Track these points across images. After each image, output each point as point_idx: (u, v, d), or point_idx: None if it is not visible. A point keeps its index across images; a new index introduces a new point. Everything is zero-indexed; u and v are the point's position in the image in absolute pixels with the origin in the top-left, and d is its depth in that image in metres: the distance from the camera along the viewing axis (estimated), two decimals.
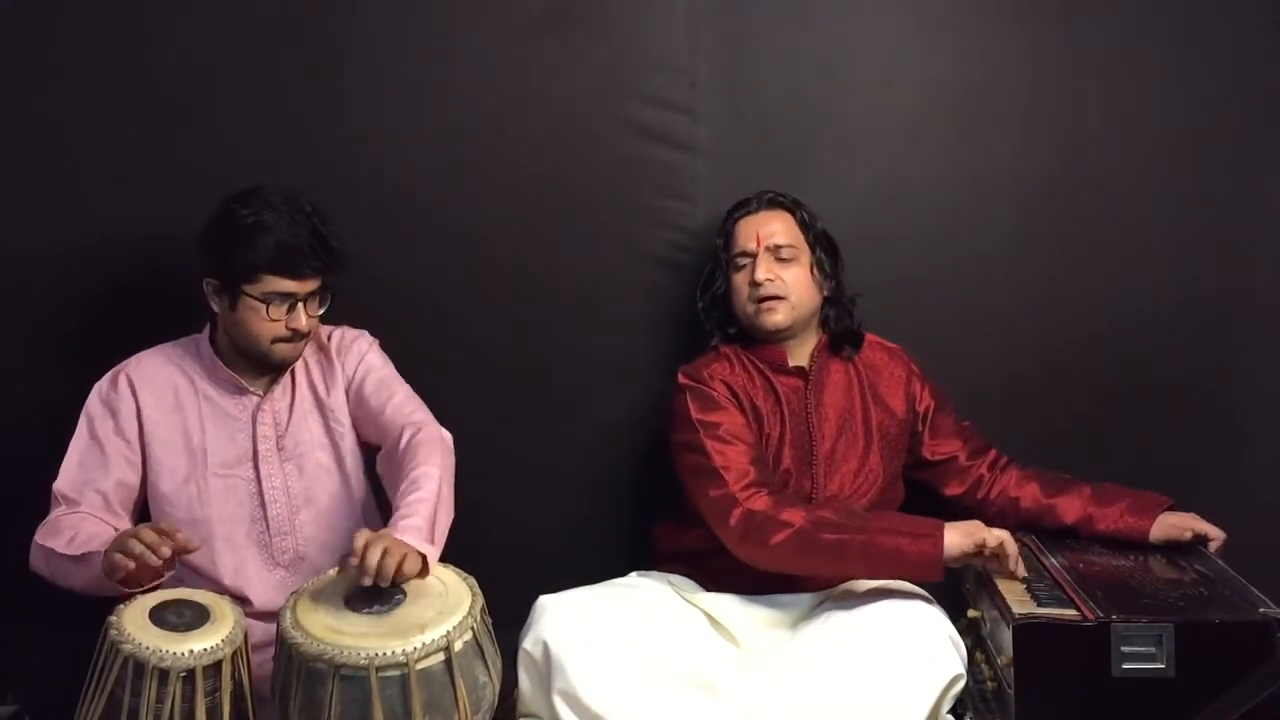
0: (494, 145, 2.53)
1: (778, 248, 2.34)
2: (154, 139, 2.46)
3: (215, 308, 2.19)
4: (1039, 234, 2.58)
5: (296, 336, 2.17)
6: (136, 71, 2.46)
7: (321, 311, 2.21)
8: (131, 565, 1.89)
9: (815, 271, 2.37)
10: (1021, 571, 2.10)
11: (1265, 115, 2.55)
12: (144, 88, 2.46)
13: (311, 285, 2.15)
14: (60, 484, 2.14)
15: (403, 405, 2.22)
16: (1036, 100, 2.55)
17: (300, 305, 2.15)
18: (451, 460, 2.14)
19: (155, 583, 1.99)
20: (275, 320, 2.14)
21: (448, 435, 2.18)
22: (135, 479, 2.19)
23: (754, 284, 2.32)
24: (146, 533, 1.91)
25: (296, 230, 2.11)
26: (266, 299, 2.12)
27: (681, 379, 2.32)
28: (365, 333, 2.34)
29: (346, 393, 2.27)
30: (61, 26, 2.44)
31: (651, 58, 2.53)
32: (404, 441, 2.14)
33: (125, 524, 2.16)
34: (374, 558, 1.85)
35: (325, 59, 2.49)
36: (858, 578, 2.20)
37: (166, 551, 1.90)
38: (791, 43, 2.53)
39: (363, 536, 1.88)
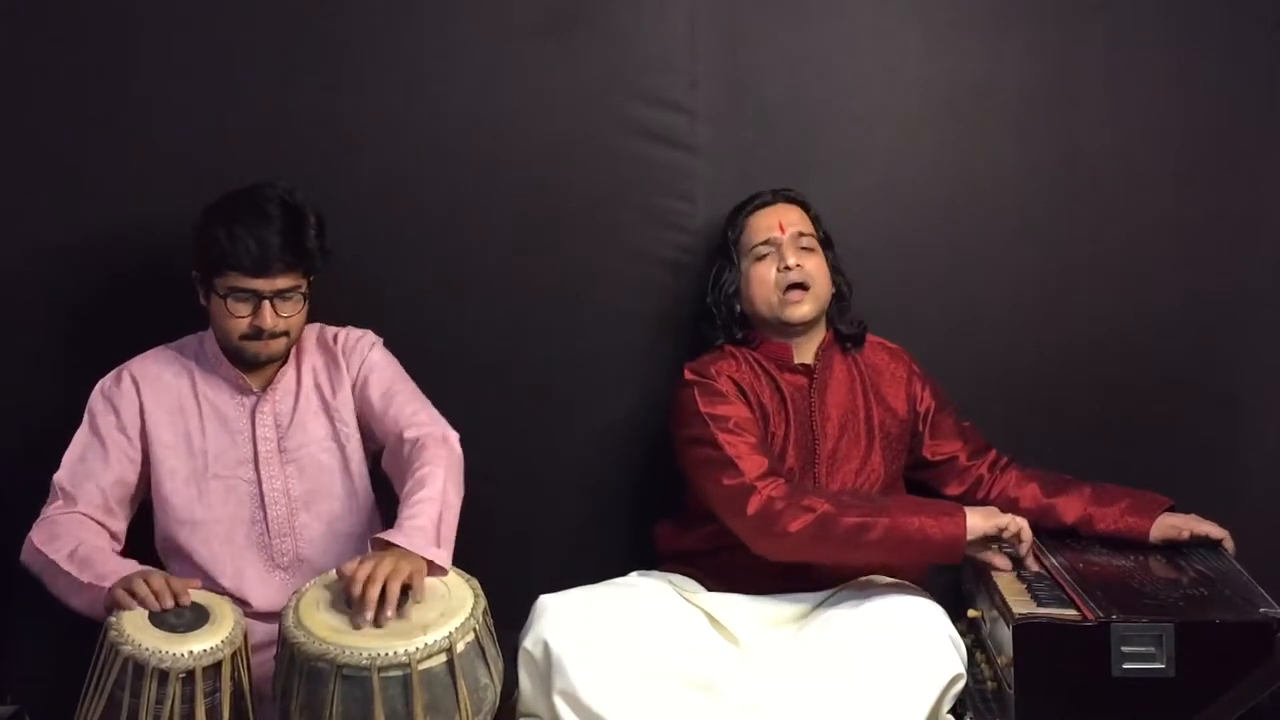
0: (494, 145, 2.52)
1: (800, 235, 2.34)
2: (154, 138, 2.46)
3: (202, 301, 2.20)
4: (1039, 233, 2.58)
5: (263, 335, 2.15)
6: (138, 71, 2.45)
7: (298, 312, 2.18)
8: (133, 605, 1.90)
9: (829, 266, 2.37)
10: (1031, 563, 2.14)
11: (1265, 115, 2.55)
12: (145, 87, 2.45)
13: (280, 283, 2.12)
14: (60, 476, 2.15)
15: (405, 405, 2.22)
16: (1036, 100, 2.55)
17: (266, 304, 2.12)
18: (457, 459, 2.14)
19: None
20: (239, 317, 2.13)
21: (453, 435, 2.18)
22: (134, 476, 2.19)
23: (783, 269, 2.31)
24: (156, 578, 1.92)
25: (265, 227, 2.09)
26: (228, 293, 2.12)
27: (688, 374, 2.31)
28: (369, 332, 2.33)
29: (352, 391, 2.27)
30: (61, 26, 2.44)
31: (651, 58, 2.52)
32: (408, 442, 2.15)
33: (120, 525, 2.16)
34: (373, 593, 1.85)
35: (325, 60, 2.48)
36: (875, 565, 2.19)
37: (169, 602, 1.91)
38: (791, 43, 2.53)
39: (363, 570, 1.87)
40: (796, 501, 2.12)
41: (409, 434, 2.16)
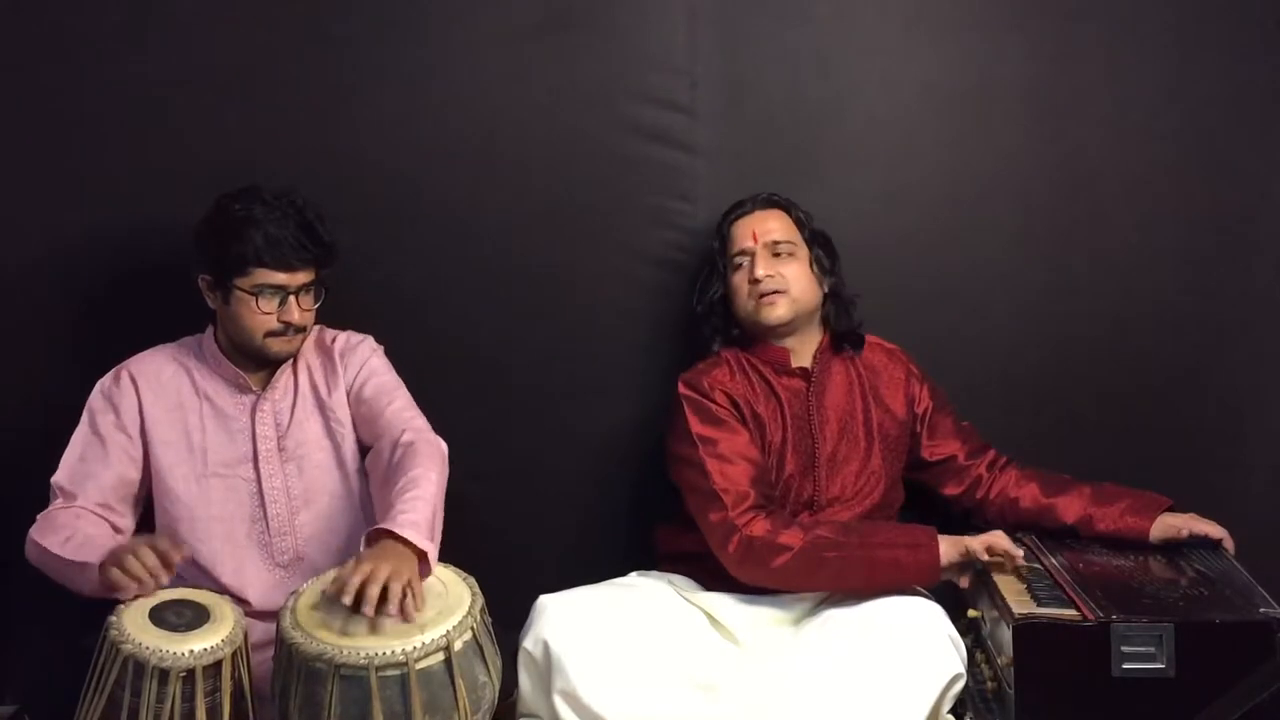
0: (494, 145, 2.52)
1: (775, 243, 2.34)
2: (153, 139, 2.46)
3: (211, 304, 2.21)
4: (1039, 234, 2.58)
5: (290, 330, 2.18)
6: (141, 73, 2.45)
7: (316, 306, 2.22)
8: (134, 587, 1.91)
9: (814, 268, 2.37)
10: (1018, 560, 2.13)
11: (1265, 115, 2.55)
12: (145, 88, 2.46)
13: (302, 278, 2.17)
14: (59, 477, 2.15)
15: (401, 410, 2.24)
16: (1036, 100, 2.55)
17: (292, 298, 2.16)
18: (446, 469, 2.14)
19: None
20: (266, 313, 2.16)
21: (443, 444, 2.19)
22: (135, 474, 2.19)
23: (753, 281, 2.32)
24: (147, 554, 1.92)
25: (285, 223, 2.13)
26: (256, 291, 2.14)
27: (682, 388, 2.31)
28: (370, 338, 2.35)
29: (347, 394, 2.28)
30: (61, 25, 2.44)
31: (651, 58, 2.52)
32: (401, 445, 2.15)
33: (127, 521, 2.18)
34: (374, 591, 1.85)
35: (326, 60, 2.48)
36: (857, 590, 2.19)
37: (165, 579, 1.92)
38: (791, 43, 2.53)
39: (359, 573, 1.87)
40: (774, 540, 2.14)
41: (405, 438, 2.17)
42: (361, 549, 1.97)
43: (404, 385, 2.30)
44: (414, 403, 2.28)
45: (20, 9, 2.43)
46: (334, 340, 2.33)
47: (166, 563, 1.93)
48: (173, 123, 2.46)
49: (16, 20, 2.43)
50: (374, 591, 1.85)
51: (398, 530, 1.94)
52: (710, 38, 2.51)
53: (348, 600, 1.85)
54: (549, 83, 2.51)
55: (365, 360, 2.30)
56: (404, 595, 1.87)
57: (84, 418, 2.20)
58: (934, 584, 2.15)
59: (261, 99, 2.48)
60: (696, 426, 2.26)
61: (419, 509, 2.00)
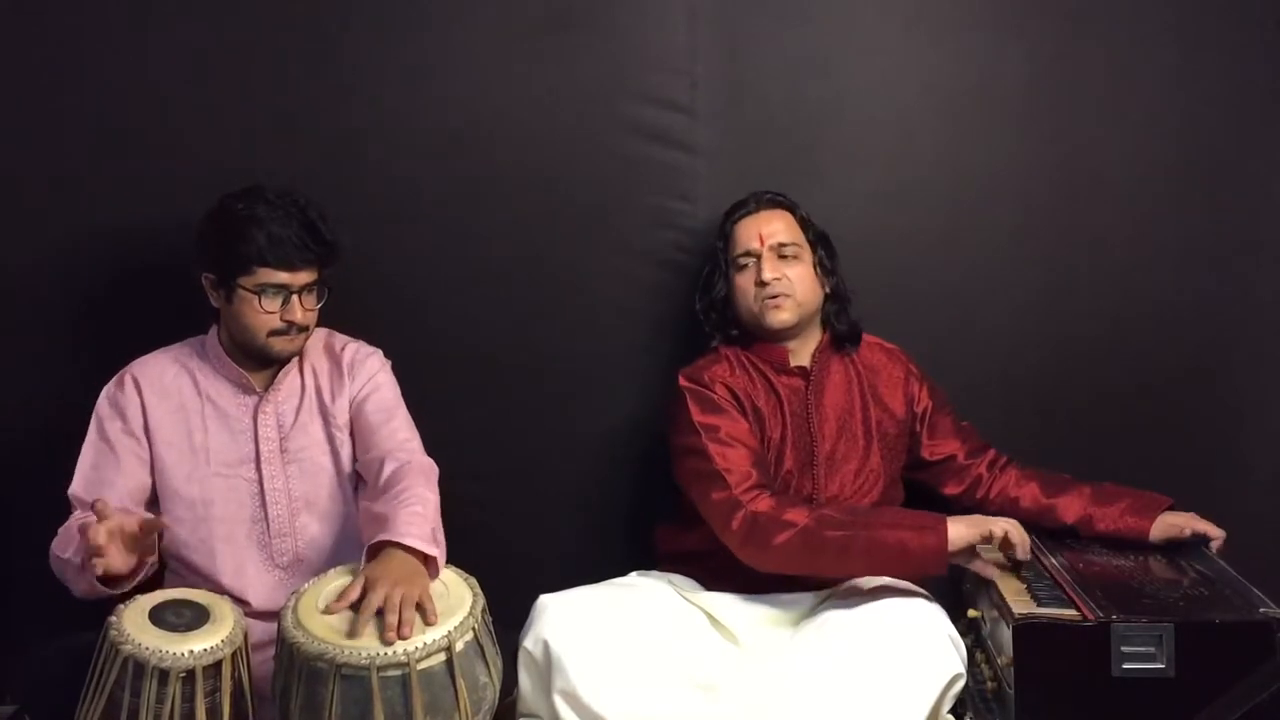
0: (494, 145, 2.53)
1: (781, 245, 2.34)
2: (153, 139, 2.46)
3: (214, 303, 2.21)
4: (1039, 234, 2.58)
5: (293, 329, 2.18)
6: (142, 72, 2.46)
7: (319, 305, 2.22)
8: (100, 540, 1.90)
9: (818, 269, 2.37)
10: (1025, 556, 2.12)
11: (1265, 115, 2.55)
12: (145, 88, 2.46)
13: (305, 278, 2.17)
14: (75, 488, 2.16)
15: (397, 431, 2.24)
16: (1036, 100, 2.55)
17: (295, 298, 2.17)
18: (438, 492, 2.13)
19: (141, 577, 2.01)
20: (270, 313, 2.16)
21: (435, 467, 2.19)
22: (148, 478, 2.20)
23: (760, 284, 2.32)
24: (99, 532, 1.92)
25: (288, 223, 2.14)
26: (259, 290, 2.14)
27: (682, 382, 2.32)
28: (379, 352, 2.35)
29: (350, 404, 2.28)
30: (61, 25, 2.44)
31: (651, 58, 2.53)
32: (394, 462, 2.16)
33: None
34: (392, 619, 1.84)
35: (326, 59, 2.49)
36: (861, 575, 2.19)
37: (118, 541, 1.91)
38: (791, 43, 2.53)
39: (375, 598, 1.86)
40: (779, 516, 2.13)
41: (400, 455, 2.18)
42: (364, 561, 1.97)
43: (404, 404, 2.30)
44: (411, 423, 2.28)
45: (20, 9, 2.43)
46: (344, 348, 2.33)
47: (146, 530, 1.93)
48: (173, 123, 2.46)
49: (17, 20, 2.43)
50: (393, 619, 1.85)
51: (405, 541, 1.94)
52: (710, 38, 2.52)
53: (365, 630, 1.84)
54: (549, 83, 2.52)
55: (373, 375, 2.30)
56: (415, 614, 1.87)
57: (92, 425, 2.20)
58: (941, 571, 2.10)
59: (261, 99, 2.48)
60: (698, 415, 2.26)
61: (422, 514, 2.00)
